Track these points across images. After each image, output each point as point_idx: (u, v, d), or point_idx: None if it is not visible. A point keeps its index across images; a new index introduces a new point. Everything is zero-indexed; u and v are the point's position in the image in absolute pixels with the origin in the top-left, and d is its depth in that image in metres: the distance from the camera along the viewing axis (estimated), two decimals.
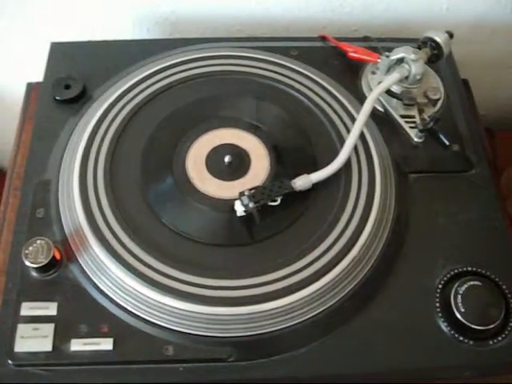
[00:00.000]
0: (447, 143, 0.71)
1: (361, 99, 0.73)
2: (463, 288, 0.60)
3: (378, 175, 0.67)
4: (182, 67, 0.76)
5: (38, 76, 0.78)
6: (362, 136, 0.69)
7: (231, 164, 0.67)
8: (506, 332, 0.60)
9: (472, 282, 0.61)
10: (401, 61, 0.72)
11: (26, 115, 0.79)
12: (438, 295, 0.62)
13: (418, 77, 0.72)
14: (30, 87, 0.82)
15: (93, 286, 0.60)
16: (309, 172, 0.65)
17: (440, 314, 0.61)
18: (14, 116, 0.81)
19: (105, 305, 0.59)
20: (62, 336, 0.58)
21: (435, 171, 0.70)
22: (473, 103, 0.81)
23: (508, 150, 0.97)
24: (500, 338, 0.60)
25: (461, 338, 0.59)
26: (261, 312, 0.58)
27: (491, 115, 1.04)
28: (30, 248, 0.60)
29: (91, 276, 0.61)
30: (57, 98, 0.74)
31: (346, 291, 0.61)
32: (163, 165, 0.68)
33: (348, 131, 0.70)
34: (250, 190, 0.63)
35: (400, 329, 0.60)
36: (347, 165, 0.67)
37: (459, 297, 0.60)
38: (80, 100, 0.74)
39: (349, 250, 0.62)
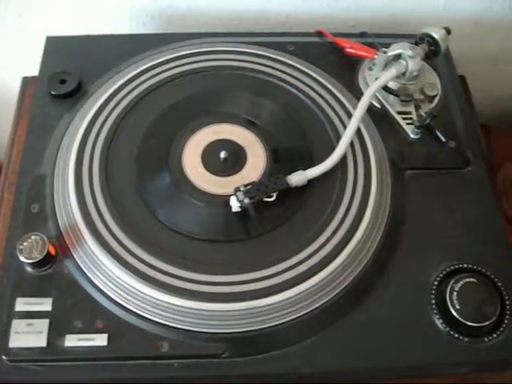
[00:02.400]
0: (444, 140, 0.71)
1: (357, 95, 0.73)
2: (459, 285, 0.60)
3: (373, 171, 0.67)
4: (177, 62, 0.76)
5: (34, 70, 0.77)
6: (358, 132, 0.69)
7: (227, 160, 0.67)
8: (501, 329, 0.60)
9: (468, 279, 0.61)
10: (398, 57, 0.72)
11: (22, 109, 0.78)
12: (433, 292, 0.62)
13: (415, 73, 0.71)
14: (26, 81, 0.81)
15: (88, 282, 0.60)
16: (305, 168, 0.65)
17: (435, 311, 0.61)
18: (9, 110, 0.80)
19: (100, 300, 0.59)
20: (56, 331, 0.57)
21: (431, 168, 0.70)
22: (470, 100, 0.81)
23: (504, 147, 0.97)
24: (495, 335, 0.60)
25: (456, 335, 0.60)
26: (256, 308, 0.58)
27: (487, 112, 1.03)
28: (25, 243, 0.59)
29: (86, 272, 0.61)
30: (52, 92, 0.74)
31: (341, 287, 0.61)
32: (159, 160, 0.68)
33: (344, 127, 0.70)
34: (246, 185, 0.63)
35: (395, 325, 0.60)
36: (343, 161, 0.67)
37: (455, 294, 0.60)
38: (75, 95, 0.74)
39: (344, 246, 0.62)
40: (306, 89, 0.74)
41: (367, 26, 0.84)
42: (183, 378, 0.57)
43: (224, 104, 0.73)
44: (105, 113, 0.71)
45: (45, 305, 0.59)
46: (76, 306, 0.59)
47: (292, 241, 0.62)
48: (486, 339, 0.60)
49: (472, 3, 0.89)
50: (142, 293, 0.58)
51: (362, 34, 0.81)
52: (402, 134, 0.71)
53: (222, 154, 0.67)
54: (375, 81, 0.71)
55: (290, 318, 0.59)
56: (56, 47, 0.79)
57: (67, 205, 0.63)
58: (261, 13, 0.89)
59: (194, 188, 0.65)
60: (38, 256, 0.59)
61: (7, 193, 0.71)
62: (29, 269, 0.60)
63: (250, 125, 0.71)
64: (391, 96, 0.73)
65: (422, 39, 0.72)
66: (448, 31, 0.72)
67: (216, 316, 0.58)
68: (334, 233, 0.62)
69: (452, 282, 0.61)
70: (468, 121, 0.75)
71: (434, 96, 0.73)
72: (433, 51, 0.72)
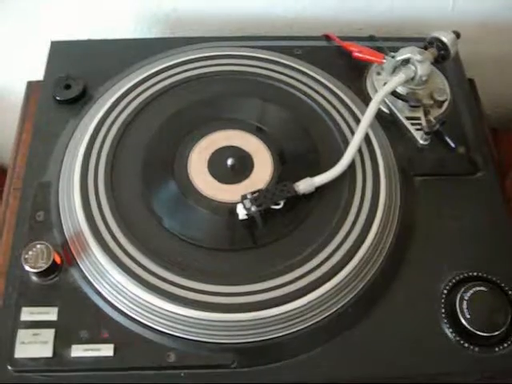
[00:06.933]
0: (453, 145, 0.70)
1: (365, 100, 0.73)
2: (469, 293, 0.59)
3: (382, 178, 0.66)
4: (183, 67, 0.75)
5: (39, 75, 0.77)
6: (366, 138, 0.68)
7: (234, 167, 0.67)
8: None
9: (478, 288, 0.60)
10: (406, 61, 0.71)
11: (27, 114, 0.78)
12: (443, 300, 0.61)
13: (424, 78, 0.71)
14: (31, 86, 0.81)
15: (94, 291, 0.60)
16: (313, 175, 0.65)
17: (445, 320, 0.60)
18: (14, 115, 0.80)
19: (106, 310, 0.59)
20: (62, 342, 0.57)
21: (441, 174, 0.69)
22: (479, 104, 0.80)
23: None
24: (506, 345, 0.59)
25: (466, 345, 0.59)
26: (264, 318, 0.58)
27: (496, 115, 1.03)
28: (30, 252, 0.59)
29: (92, 281, 0.60)
30: (57, 98, 0.73)
31: (350, 296, 0.61)
32: (165, 167, 0.67)
33: (352, 133, 0.69)
34: (253, 193, 0.63)
35: (405, 334, 0.60)
36: (351, 167, 0.67)
37: (465, 302, 0.59)
38: (80, 100, 0.73)
39: (353, 255, 0.61)
40: (313, 94, 0.74)
41: (375, 30, 0.83)
42: None
43: (230, 110, 0.72)
44: (110, 119, 0.70)
45: (50, 314, 0.58)
46: (82, 315, 0.59)
47: (300, 250, 0.61)
48: (496, 349, 0.59)
49: (481, 6, 0.89)
50: (148, 303, 0.58)
51: (370, 38, 0.80)
52: (411, 140, 0.71)
53: (229, 161, 0.67)
54: (384, 86, 0.70)
55: (298, 328, 0.59)
56: (61, 52, 0.78)
57: (72, 213, 0.63)
58: (267, 16, 0.89)
59: (200, 196, 0.65)
60: (43, 265, 0.59)
61: (12, 198, 0.71)
62: (34, 278, 0.60)
63: (256, 131, 0.71)
64: (400, 101, 0.72)
65: (431, 43, 0.72)
66: (457, 35, 0.71)
67: (223, 326, 0.58)
68: (343, 241, 0.62)
69: (462, 290, 0.60)
70: (478, 125, 0.74)
71: (444, 101, 0.73)
72: (442, 55, 0.71)
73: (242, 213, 0.62)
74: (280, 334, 0.58)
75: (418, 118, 0.71)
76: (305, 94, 0.74)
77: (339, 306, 0.60)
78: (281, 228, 0.63)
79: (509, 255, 0.64)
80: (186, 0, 0.87)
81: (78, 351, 0.57)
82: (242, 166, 0.67)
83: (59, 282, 0.60)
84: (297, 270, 0.60)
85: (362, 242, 0.62)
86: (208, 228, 0.63)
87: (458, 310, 0.59)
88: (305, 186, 0.64)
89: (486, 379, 0.60)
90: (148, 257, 0.60)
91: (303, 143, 0.70)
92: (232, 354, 0.57)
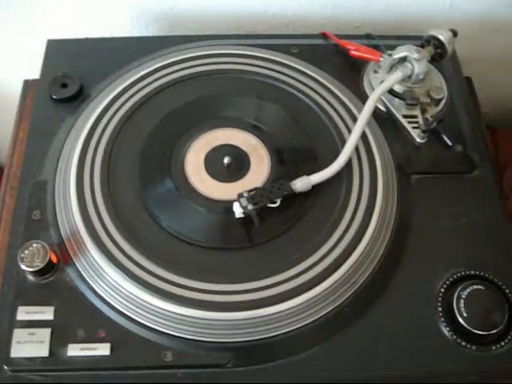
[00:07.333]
0: (450, 144, 0.70)
1: (362, 98, 0.72)
2: (466, 292, 0.59)
3: (379, 176, 0.66)
4: (180, 65, 0.75)
5: (36, 73, 0.77)
6: (363, 136, 0.68)
7: (230, 165, 0.67)
8: (509, 337, 0.59)
9: (475, 286, 0.60)
10: (403, 59, 0.71)
11: (23, 112, 0.78)
12: (440, 299, 0.61)
13: (421, 76, 0.70)
14: (27, 84, 0.81)
15: (90, 291, 0.60)
16: (310, 173, 0.64)
17: (442, 319, 0.60)
18: (10, 113, 0.80)
19: (102, 309, 0.59)
20: (58, 341, 0.57)
21: (438, 172, 0.69)
22: (476, 102, 0.80)
23: (510, 147, 0.96)
24: (503, 343, 0.59)
25: (463, 343, 0.59)
26: (260, 317, 0.57)
27: (493, 112, 1.03)
28: (26, 251, 0.59)
29: (88, 280, 0.60)
30: (54, 96, 0.73)
31: (347, 295, 0.60)
32: (161, 166, 0.67)
33: (349, 131, 0.69)
34: (249, 191, 0.63)
35: (402, 333, 0.60)
36: (348, 166, 0.66)
37: (462, 301, 0.59)
38: (77, 99, 0.73)
39: (350, 254, 0.61)
40: (310, 92, 0.73)
41: (372, 28, 0.83)
42: None
43: (227, 108, 0.72)
44: (107, 117, 0.70)
45: (46, 313, 0.58)
46: (78, 314, 0.58)
47: (296, 248, 0.61)
48: (493, 347, 0.59)
49: (478, 4, 0.89)
50: (144, 302, 0.58)
51: (367, 36, 0.80)
52: (408, 138, 0.70)
53: (226, 160, 0.66)
54: (381, 84, 0.70)
55: (295, 327, 0.59)
56: (57, 50, 0.78)
57: (69, 212, 0.63)
58: (264, 15, 0.89)
59: (197, 194, 0.65)
60: (39, 264, 0.58)
61: (8, 197, 0.70)
62: (30, 277, 0.60)
63: (253, 129, 0.70)
64: (397, 99, 0.72)
65: (428, 41, 0.71)
66: (454, 33, 0.71)
67: (220, 325, 0.57)
68: (340, 240, 0.62)
69: (459, 289, 0.60)
70: (475, 124, 0.74)
71: (441, 99, 0.73)
72: (439, 54, 0.71)
73: (238, 211, 0.62)
74: (277, 333, 0.58)
75: (415, 116, 0.71)
76: (302, 92, 0.73)
77: (336, 305, 0.60)
78: (277, 226, 0.63)
79: (506, 253, 0.64)
80: None
81: (74, 350, 0.56)
82: (239, 164, 0.67)
83: (55, 281, 0.60)
84: (293, 269, 0.60)
85: (359, 240, 0.62)
86: (204, 226, 0.63)
87: (455, 308, 0.59)
88: (301, 184, 0.64)
89: (484, 379, 0.60)
90: (144, 255, 0.60)
91: (300, 141, 0.69)
92: (228, 353, 0.57)
